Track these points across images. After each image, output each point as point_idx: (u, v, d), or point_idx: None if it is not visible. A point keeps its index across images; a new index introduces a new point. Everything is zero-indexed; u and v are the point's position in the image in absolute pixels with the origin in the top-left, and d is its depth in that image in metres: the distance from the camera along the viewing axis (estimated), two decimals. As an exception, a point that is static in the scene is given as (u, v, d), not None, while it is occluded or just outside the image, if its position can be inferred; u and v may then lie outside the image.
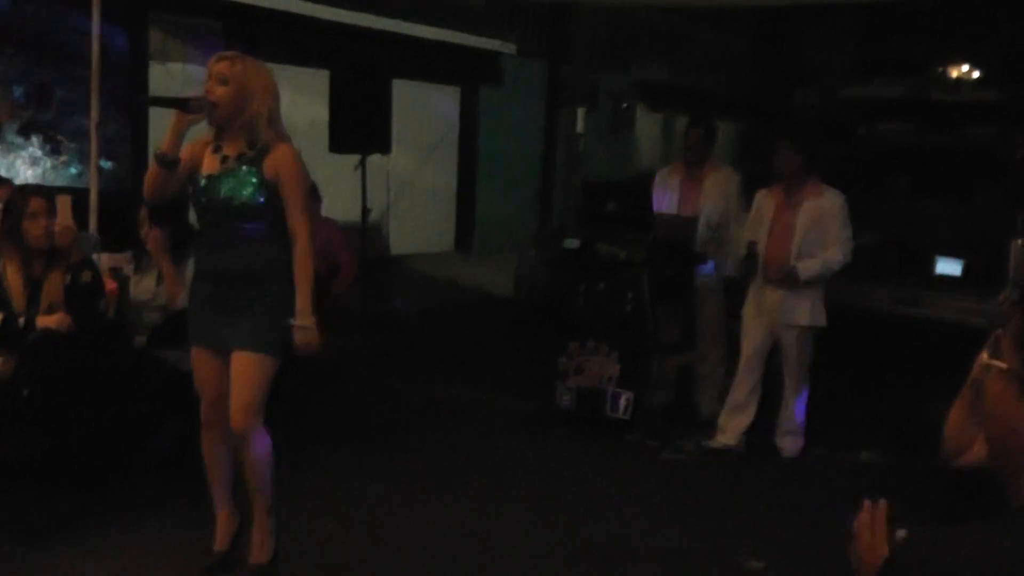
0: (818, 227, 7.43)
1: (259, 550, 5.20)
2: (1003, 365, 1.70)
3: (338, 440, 7.35)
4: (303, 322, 4.92)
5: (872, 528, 1.83)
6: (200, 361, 5.07)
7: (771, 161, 7.63)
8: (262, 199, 4.86)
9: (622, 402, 7.93)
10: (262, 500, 5.13)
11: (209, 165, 4.94)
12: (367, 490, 6.60)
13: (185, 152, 4.92)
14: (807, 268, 7.37)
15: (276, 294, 4.93)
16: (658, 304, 8.05)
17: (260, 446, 5.00)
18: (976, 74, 17.50)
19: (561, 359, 8.16)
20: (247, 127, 4.89)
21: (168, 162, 4.84)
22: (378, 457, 7.26)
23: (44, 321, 6.06)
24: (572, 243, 8.39)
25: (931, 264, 10.49)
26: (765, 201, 7.67)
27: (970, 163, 11.24)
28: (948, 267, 10.43)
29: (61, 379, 6.01)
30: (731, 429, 7.84)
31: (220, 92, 4.85)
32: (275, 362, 4.96)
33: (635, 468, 7.36)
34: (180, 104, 4.90)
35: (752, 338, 7.74)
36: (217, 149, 4.94)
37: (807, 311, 7.50)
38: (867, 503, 1.98)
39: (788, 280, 7.41)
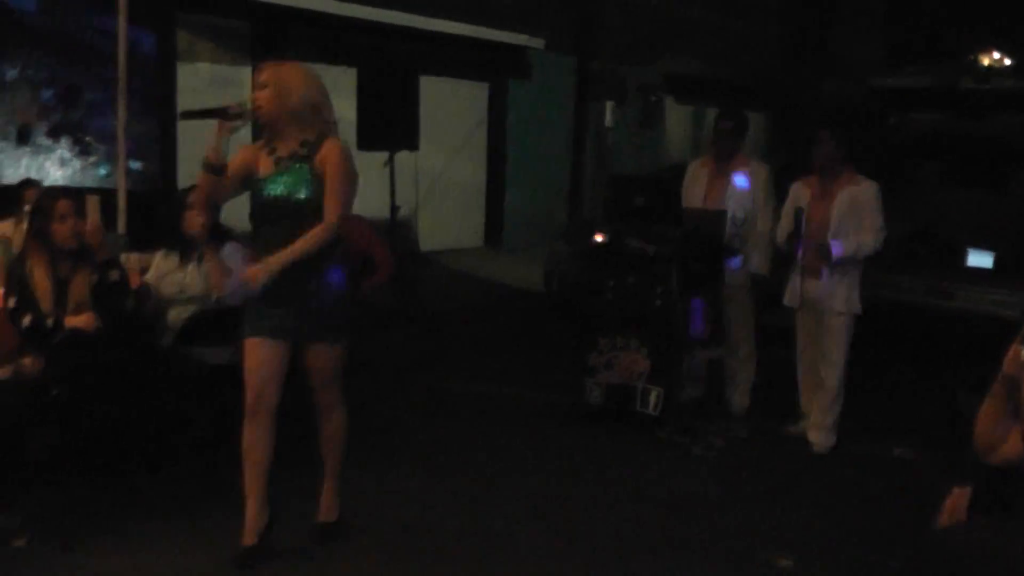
0: (853, 216, 7.47)
1: (329, 510, 5.71)
2: None
3: (367, 436, 7.33)
4: (264, 266, 5.11)
5: (953, 513, 1.82)
6: (255, 350, 5.26)
7: (809, 151, 7.66)
8: (315, 196, 5.15)
9: (652, 398, 7.89)
10: (335, 465, 5.66)
11: (265, 166, 5.25)
12: (398, 485, 6.59)
13: (237, 158, 5.28)
14: (844, 245, 7.41)
15: (336, 281, 5.31)
16: (688, 299, 8.01)
17: (341, 417, 5.58)
18: (1007, 62, 17.33)
19: (591, 354, 8.13)
20: (294, 123, 5.21)
21: (216, 169, 5.17)
22: (408, 452, 7.25)
23: (72, 321, 6.09)
24: (600, 237, 8.34)
25: (963, 255, 10.41)
26: (801, 192, 7.71)
27: (1002, 152, 11.15)
28: (980, 259, 10.35)
29: (89, 378, 6.03)
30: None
31: (260, 96, 5.19)
32: (345, 345, 5.41)
33: (665, 464, 7.32)
34: (219, 113, 5.16)
35: (803, 328, 7.86)
36: (272, 151, 5.26)
37: (843, 298, 7.54)
38: (955, 489, 1.97)
39: (821, 255, 7.46)
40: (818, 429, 7.77)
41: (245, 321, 5.33)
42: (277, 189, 5.17)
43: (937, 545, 1.62)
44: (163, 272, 6.95)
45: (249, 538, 5.36)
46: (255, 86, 5.28)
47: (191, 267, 6.94)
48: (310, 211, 5.14)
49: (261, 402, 5.25)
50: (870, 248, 7.47)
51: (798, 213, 7.57)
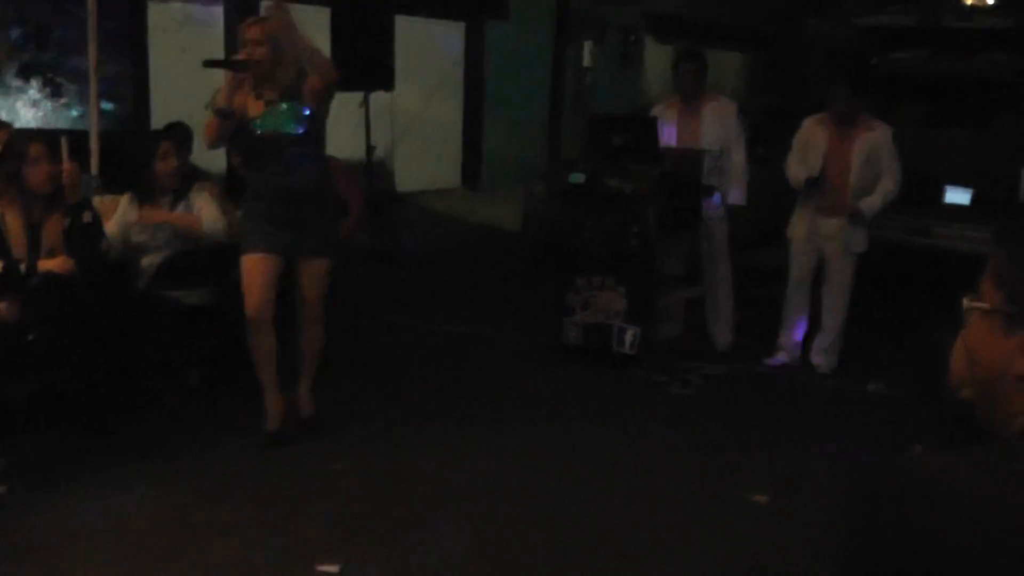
0: (872, 160, 7.70)
1: (307, 405, 6.44)
2: (985, 305, 1.64)
3: (344, 377, 7.33)
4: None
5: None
6: (255, 264, 5.99)
7: (827, 99, 7.83)
8: (301, 130, 5.92)
9: (628, 337, 7.90)
10: (312, 369, 6.41)
11: (254, 108, 5.95)
12: (375, 427, 6.60)
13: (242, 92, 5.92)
14: (871, 205, 7.72)
15: (331, 206, 6.31)
16: (665, 237, 8.00)
17: (321, 333, 6.33)
18: (990, 1, 17.26)
19: (568, 294, 8.12)
20: (282, 71, 5.88)
21: (227, 113, 5.86)
22: (385, 394, 7.25)
23: (46, 265, 6.03)
24: (578, 177, 8.31)
25: (941, 193, 10.42)
26: (816, 130, 7.89)
27: (982, 91, 11.12)
28: (957, 196, 10.35)
29: (66, 322, 5.98)
30: (791, 346, 8.20)
31: (259, 52, 5.83)
32: (333, 261, 6.23)
33: (642, 403, 7.34)
34: (237, 65, 5.85)
35: (802, 263, 8.05)
36: (259, 95, 5.94)
37: (862, 239, 7.88)
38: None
39: (853, 219, 7.73)
40: (824, 352, 8.07)
41: (244, 239, 6.09)
42: (269, 125, 5.89)
43: (887, 477, 1.59)
44: (131, 219, 6.87)
45: (274, 423, 6.22)
46: (247, 42, 5.86)
47: (160, 214, 6.88)
48: (299, 142, 5.94)
49: (261, 310, 5.98)
50: (893, 194, 7.72)
51: (812, 180, 7.75)
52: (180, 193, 6.87)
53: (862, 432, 6.85)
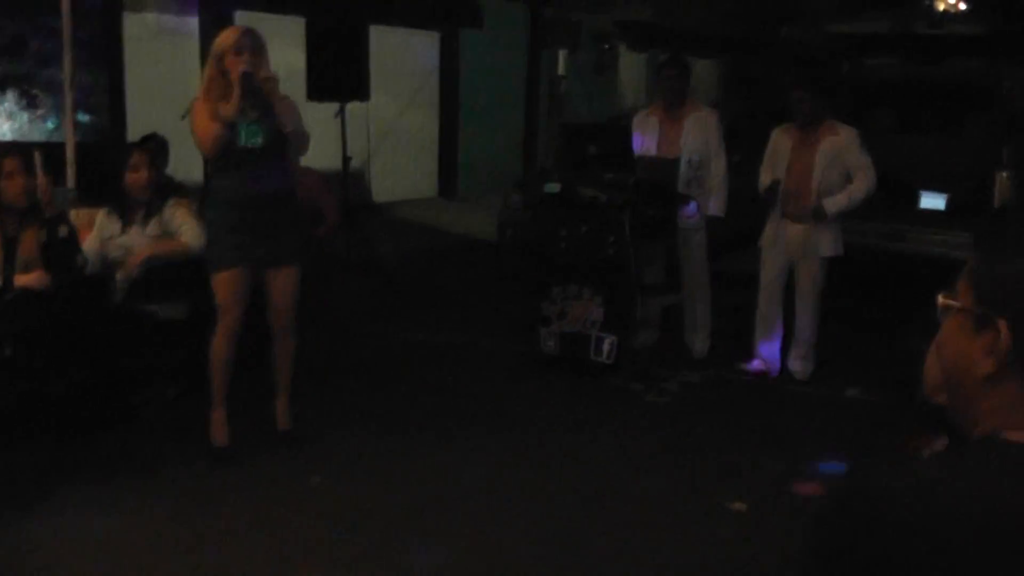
0: (836, 164, 7.67)
1: (285, 420, 6.46)
2: (956, 304, 1.67)
3: (320, 386, 7.33)
4: None
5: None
6: (232, 280, 6.04)
7: (787, 107, 7.81)
8: (274, 141, 5.98)
9: (606, 346, 7.91)
10: (287, 382, 6.43)
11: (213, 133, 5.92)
12: (350, 437, 6.59)
13: (198, 116, 5.94)
14: (834, 204, 7.64)
15: (299, 215, 6.37)
16: (641, 246, 8.02)
17: (295, 342, 6.38)
18: (962, 7, 17.40)
19: (544, 303, 8.13)
20: (261, 86, 5.91)
21: (233, 124, 5.88)
22: (361, 403, 7.24)
23: (22, 280, 6.02)
24: (553, 187, 8.33)
25: (916, 198, 10.47)
26: (782, 139, 7.89)
27: (955, 96, 11.18)
28: (932, 201, 10.40)
29: (41, 336, 5.97)
30: (767, 355, 8.19)
31: (245, 61, 5.85)
32: (300, 268, 6.26)
33: (619, 411, 7.34)
34: (247, 78, 5.82)
35: (769, 268, 8.02)
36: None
37: (829, 243, 7.78)
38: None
39: (816, 216, 7.67)
40: (800, 359, 8.04)
41: (212, 254, 6.11)
42: (242, 138, 5.91)
43: (856, 486, 1.62)
44: (107, 234, 6.85)
45: (224, 439, 6.21)
46: (234, 51, 5.86)
47: (135, 229, 6.84)
48: (274, 152, 6.00)
49: (233, 324, 6.07)
50: (863, 193, 7.66)
51: (773, 185, 7.76)
52: (153, 207, 6.82)
53: (841, 438, 6.88)
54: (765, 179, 7.89)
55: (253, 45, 5.91)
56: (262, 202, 6.00)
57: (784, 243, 7.87)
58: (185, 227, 6.76)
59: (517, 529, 5.41)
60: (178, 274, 6.76)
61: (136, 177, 6.78)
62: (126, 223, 6.84)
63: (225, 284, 6.04)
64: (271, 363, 6.41)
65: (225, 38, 5.97)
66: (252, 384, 6.52)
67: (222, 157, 5.95)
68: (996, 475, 1.54)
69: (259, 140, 5.95)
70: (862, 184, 7.63)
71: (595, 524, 5.52)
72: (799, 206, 7.71)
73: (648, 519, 5.59)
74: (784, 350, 8.14)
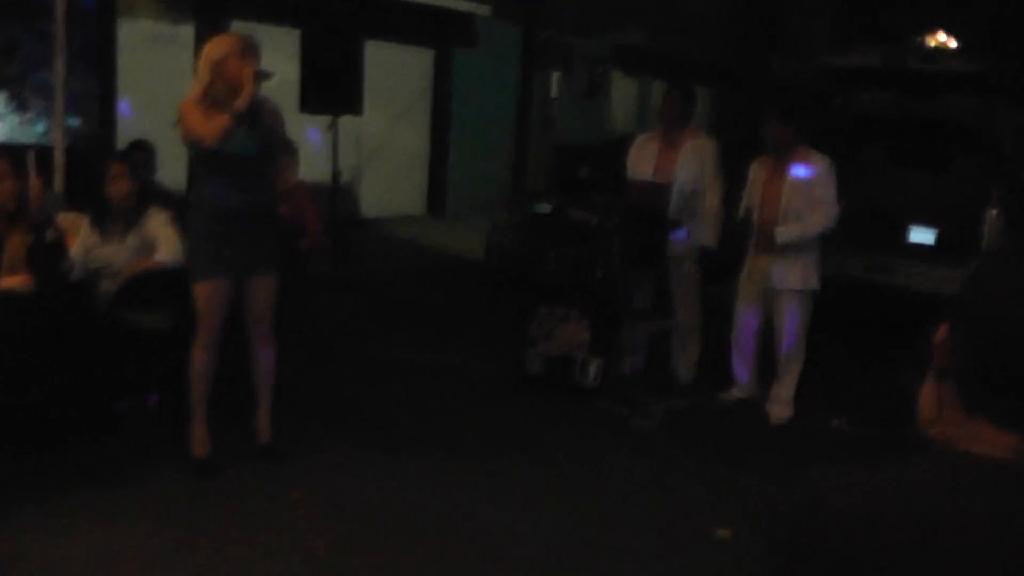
0: (805, 192, 7.56)
1: (267, 433, 6.42)
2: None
3: (303, 404, 7.28)
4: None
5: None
6: (215, 291, 6.02)
7: (762, 133, 7.74)
8: (257, 149, 5.96)
9: (592, 369, 7.88)
10: (269, 394, 6.40)
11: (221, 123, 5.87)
12: (332, 454, 6.54)
13: (192, 115, 5.87)
14: (785, 232, 7.52)
15: (278, 224, 6.28)
16: (630, 271, 7.99)
17: (275, 352, 6.36)
18: (953, 44, 17.45)
19: (531, 325, 8.10)
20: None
21: (242, 117, 5.83)
22: (344, 422, 7.19)
23: (6, 283, 5.96)
24: (543, 208, 8.31)
25: (905, 232, 10.47)
26: (758, 171, 7.83)
27: (947, 133, 11.20)
28: (922, 236, 10.41)
29: (24, 340, 5.91)
30: (745, 382, 8.17)
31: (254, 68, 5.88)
32: (278, 276, 6.24)
33: (603, 435, 7.31)
34: (261, 76, 5.90)
35: (741, 298, 7.99)
36: (223, 113, 5.83)
37: (797, 274, 7.64)
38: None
39: (767, 243, 7.58)
40: (777, 402, 7.90)
41: (195, 264, 6.05)
42: (230, 144, 5.82)
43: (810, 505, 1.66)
44: (88, 244, 6.78)
45: (206, 450, 6.17)
46: (239, 55, 5.85)
47: (115, 240, 6.78)
48: (259, 162, 5.98)
49: (213, 336, 6.06)
50: (819, 227, 7.55)
51: (746, 215, 7.77)
52: (133, 218, 6.74)
53: (825, 468, 6.83)
54: (742, 210, 7.89)
55: (255, 51, 5.93)
56: (246, 213, 5.98)
57: (756, 276, 7.82)
58: (162, 241, 6.71)
59: (497, 552, 5.37)
60: (162, 284, 6.70)
61: (117, 188, 6.71)
62: (107, 233, 6.78)
63: (207, 295, 6.02)
64: (251, 375, 6.38)
65: (226, 43, 5.97)
66: (236, 396, 6.46)
67: (210, 165, 5.92)
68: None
69: (252, 148, 5.93)
70: (820, 219, 7.52)
71: (578, 550, 5.48)
72: (767, 237, 7.67)
73: (632, 545, 5.56)
74: (767, 384, 8.07)
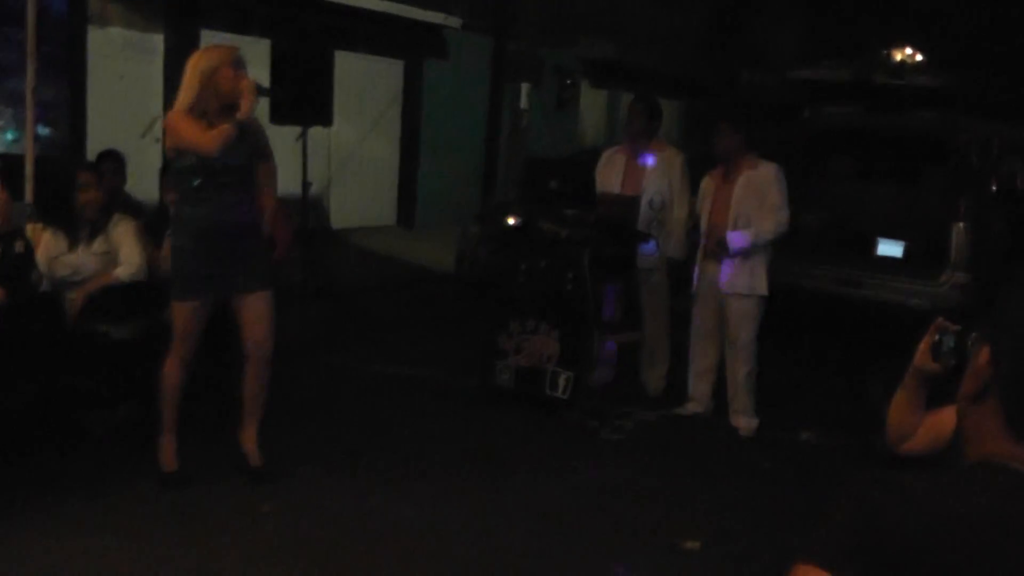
0: (754, 198, 7.58)
1: (256, 455, 6.25)
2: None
3: (272, 416, 7.24)
4: None
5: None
6: (192, 312, 5.94)
7: (713, 142, 7.74)
8: (245, 162, 5.91)
9: (561, 381, 7.88)
10: (261, 412, 6.26)
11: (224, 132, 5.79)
12: (302, 469, 6.50)
13: (185, 125, 5.78)
14: (736, 239, 7.54)
15: (263, 239, 6.19)
16: (600, 282, 8.01)
17: (269, 369, 6.20)
18: (920, 58, 17.60)
19: (501, 337, 8.10)
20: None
21: (244, 127, 5.81)
22: (313, 435, 7.16)
23: (-26, 294, 5.92)
24: (513, 220, 8.32)
25: (873, 245, 10.53)
26: (708, 183, 7.88)
27: (914, 146, 11.27)
28: (890, 248, 10.46)
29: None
30: (699, 396, 8.10)
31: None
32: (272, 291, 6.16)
33: (573, 447, 7.32)
34: (264, 91, 6.09)
35: (699, 309, 7.97)
36: (210, 124, 5.79)
37: (746, 280, 7.64)
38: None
39: (718, 249, 7.60)
40: (739, 414, 7.87)
41: (177, 281, 5.96)
42: (229, 157, 5.75)
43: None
44: (53, 253, 6.75)
45: (172, 464, 6.09)
46: (232, 65, 5.85)
47: (81, 248, 6.76)
48: (244, 176, 5.91)
49: (187, 353, 6.01)
50: (769, 234, 7.57)
51: (695, 225, 7.81)
52: (99, 225, 6.76)
53: (794, 480, 6.88)
54: (691, 223, 7.93)
55: (243, 63, 5.93)
56: (233, 229, 5.90)
57: (708, 283, 7.82)
58: (123, 255, 6.71)
59: (467, 565, 5.37)
60: (130, 295, 6.68)
61: (86, 197, 6.71)
62: (74, 241, 6.75)
63: (185, 314, 5.95)
64: (240, 391, 6.24)
65: (218, 53, 5.96)
66: (206, 409, 6.44)
67: (197, 177, 5.82)
68: (986, 496, 1.60)
69: (241, 159, 5.87)
70: (771, 225, 7.54)
71: (546, 562, 5.49)
72: (717, 250, 7.68)
73: (603, 556, 5.57)
74: (722, 399, 8.06)
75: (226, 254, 5.90)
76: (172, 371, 6.02)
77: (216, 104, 5.80)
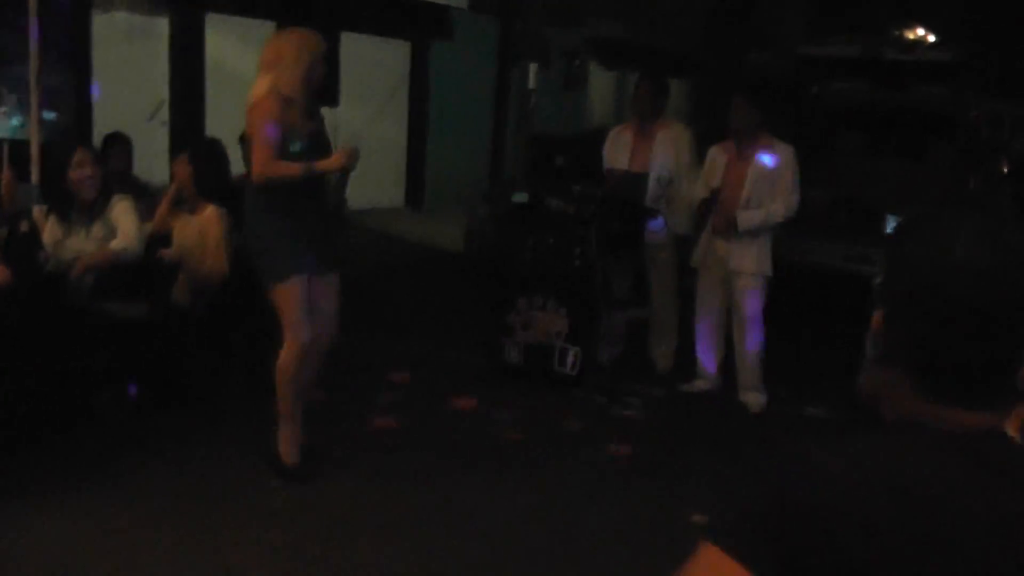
0: (768, 179, 7.56)
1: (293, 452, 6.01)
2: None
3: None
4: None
5: None
6: (300, 289, 5.74)
7: (728, 115, 7.71)
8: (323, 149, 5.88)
9: (570, 358, 7.89)
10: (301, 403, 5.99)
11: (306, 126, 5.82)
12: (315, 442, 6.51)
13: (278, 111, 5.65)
14: (747, 219, 7.54)
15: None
16: (608, 259, 8.00)
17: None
18: (930, 35, 17.52)
19: (509, 314, 8.10)
20: None
21: (313, 171, 5.74)
22: (321, 415, 7.15)
23: (-19, 275, 5.93)
24: (521, 197, 8.31)
25: (882, 222, 10.49)
26: (718, 156, 7.81)
27: (923, 123, 11.24)
28: (898, 225, 10.42)
29: (1, 333, 5.88)
30: (707, 372, 8.15)
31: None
32: None
33: (582, 424, 7.31)
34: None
35: (703, 287, 7.96)
36: (300, 112, 5.74)
37: (753, 259, 7.64)
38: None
39: (729, 228, 7.58)
40: (748, 390, 7.89)
41: (279, 262, 5.72)
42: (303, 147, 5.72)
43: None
44: (56, 237, 6.73)
45: (296, 457, 5.94)
46: (323, 57, 5.85)
47: (83, 233, 6.74)
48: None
49: (309, 343, 5.81)
50: (780, 216, 7.57)
51: (710, 199, 7.69)
52: (97, 208, 6.72)
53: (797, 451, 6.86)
54: (701, 194, 7.85)
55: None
56: (325, 210, 5.94)
57: (714, 261, 7.81)
58: (121, 229, 6.66)
59: (477, 542, 5.38)
60: (139, 275, 6.69)
61: (80, 175, 6.64)
62: (73, 225, 6.73)
63: (296, 293, 5.76)
64: (272, 381, 5.96)
65: (318, 41, 5.82)
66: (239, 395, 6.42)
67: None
68: (911, 455, 1.58)
69: (317, 150, 5.80)
70: (781, 206, 7.53)
71: (559, 538, 5.49)
72: (726, 228, 7.66)
73: (614, 533, 5.57)
74: (731, 375, 8.07)
75: (324, 234, 5.91)
76: (293, 368, 5.82)
77: (301, 87, 5.67)
